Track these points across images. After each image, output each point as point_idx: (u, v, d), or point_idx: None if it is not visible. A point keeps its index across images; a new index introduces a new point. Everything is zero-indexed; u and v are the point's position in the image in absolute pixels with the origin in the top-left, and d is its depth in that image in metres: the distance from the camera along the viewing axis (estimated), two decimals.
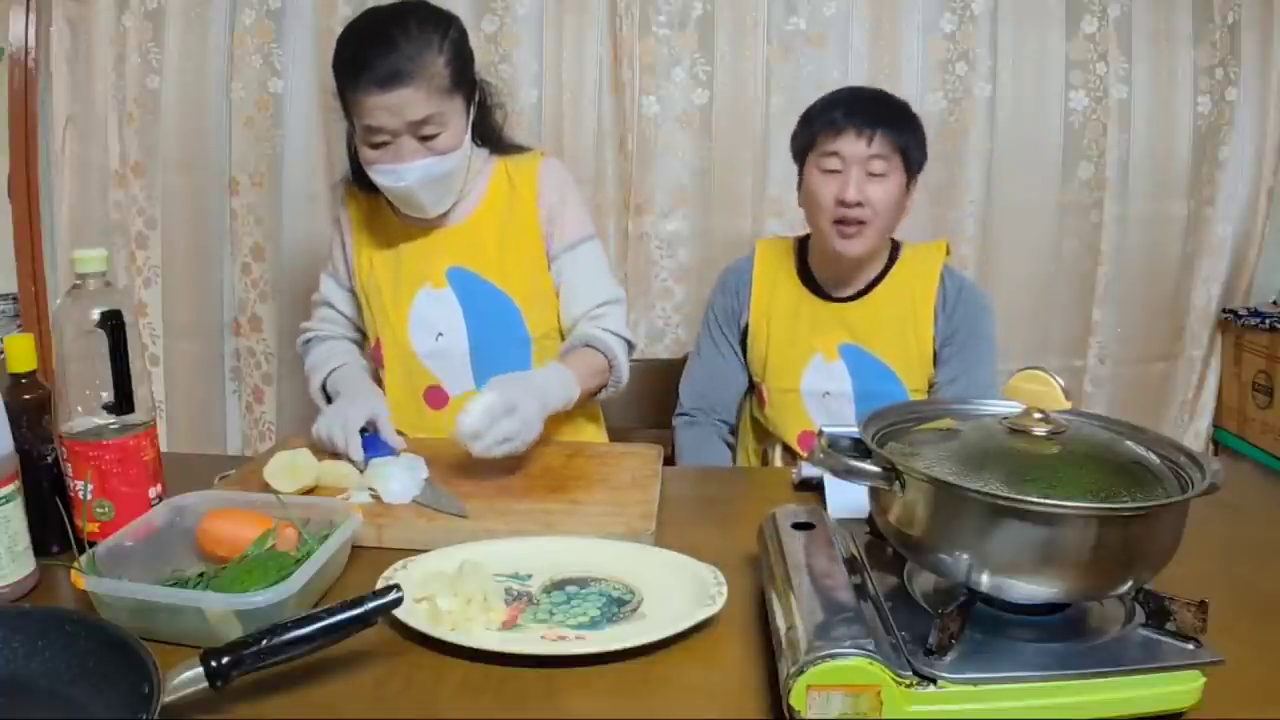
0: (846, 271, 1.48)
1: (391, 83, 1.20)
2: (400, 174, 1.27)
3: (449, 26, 1.27)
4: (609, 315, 1.41)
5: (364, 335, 1.51)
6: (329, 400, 1.37)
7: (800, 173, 1.49)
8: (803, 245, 1.57)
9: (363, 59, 1.21)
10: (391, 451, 1.19)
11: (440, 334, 1.38)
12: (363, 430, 1.20)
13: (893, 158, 1.39)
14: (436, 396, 1.40)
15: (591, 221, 1.47)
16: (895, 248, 1.51)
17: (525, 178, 1.40)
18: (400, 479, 1.09)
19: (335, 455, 1.20)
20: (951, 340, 1.45)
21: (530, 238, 1.40)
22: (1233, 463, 1.93)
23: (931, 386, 1.48)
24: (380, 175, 1.28)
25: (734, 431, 1.64)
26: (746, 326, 1.56)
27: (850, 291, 1.49)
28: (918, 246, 1.52)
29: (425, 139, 1.26)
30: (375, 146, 1.26)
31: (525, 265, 1.40)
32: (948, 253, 1.51)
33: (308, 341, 1.49)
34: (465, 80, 1.29)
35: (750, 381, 1.60)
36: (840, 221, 1.39)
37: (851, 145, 1.38)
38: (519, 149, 1.45)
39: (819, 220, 1.43)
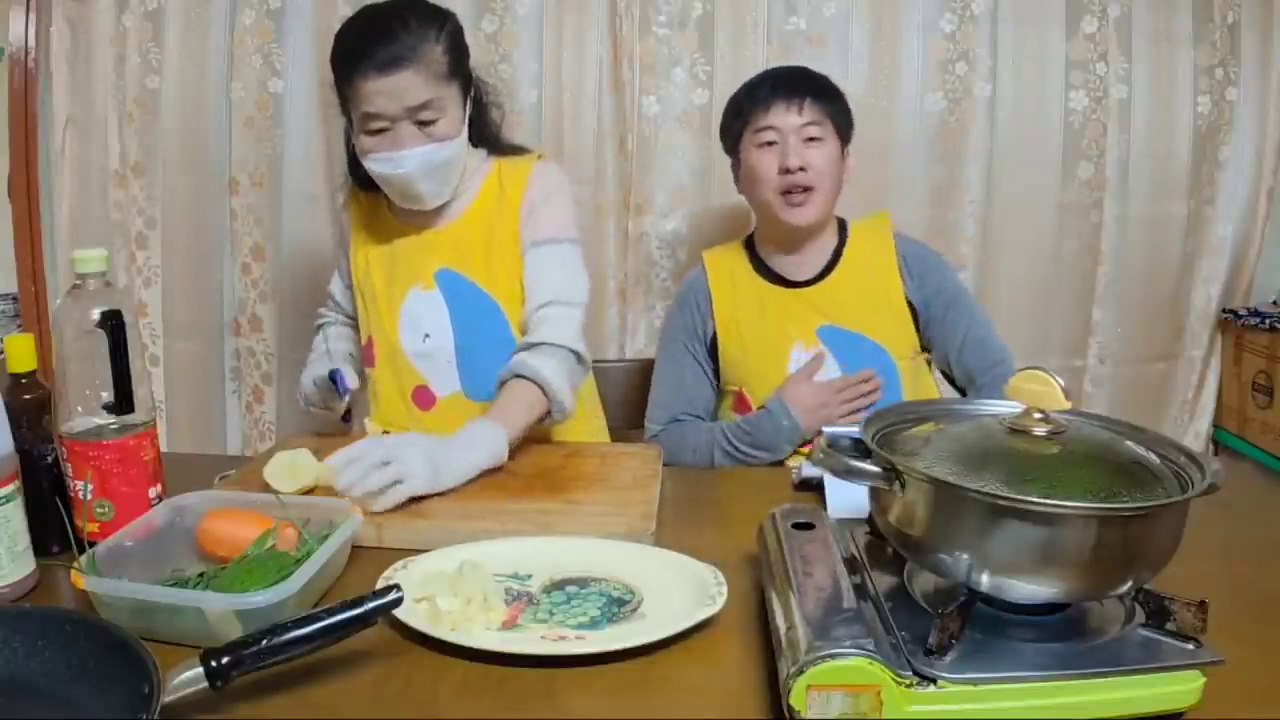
0: (800, 247, 1.50)
1: (390, 67, 1.22)
2: (398, 161, 1.27)
3: (445, 20, 1.30)
4: (553, 320, 1.31)
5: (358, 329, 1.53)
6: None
7: (735, 165, 1.53)
8: (750, 243, 1.58)
9: (362, 49, 1.23)
10: (348, 385, 1.36)
11: (427, 335, 1.39)
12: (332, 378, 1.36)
13: (825, 123, 1.43)
14: (424, 397, 1.40)
15: (573, 227, 1.41)
16: (843, 226, 1.54)
17: (515, 180, 1.40)
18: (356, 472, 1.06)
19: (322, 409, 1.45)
20: (935, 302, 1.47)
21: (512, 239, 1.38)
22: (1233, 463, 1.93)
23: (925, 353, 1.49)
24: (378, 164, 1.29)
25: None
26: (714, 338, 1.54)
27: (811, 274, 1.50)
28: (862, 222, 1.55)
29: (423, 124, 1.26)
30: (373, 134, 1.27)
31: (510, 268, 1.38)
32: (888, 222, 1.55)
33: (319, 326, 1.57)
34: (462, 71, 1.31)
35: (722, 393, 1.57)
36: (787, 192, 1.42)
37: (783, 117, 1.42)
38: (517, 150, 1.45)
39: (765, 195, 1.46)
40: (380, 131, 1.26)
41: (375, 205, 1.43)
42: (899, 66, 1.98)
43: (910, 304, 1.48)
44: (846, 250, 1.51)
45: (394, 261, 1.41)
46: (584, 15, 2.00)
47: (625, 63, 1.98)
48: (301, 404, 1.46)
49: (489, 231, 1.39)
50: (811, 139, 1.42)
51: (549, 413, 1.26)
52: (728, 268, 1.56)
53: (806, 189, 1.42)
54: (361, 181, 1.40)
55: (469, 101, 1.35)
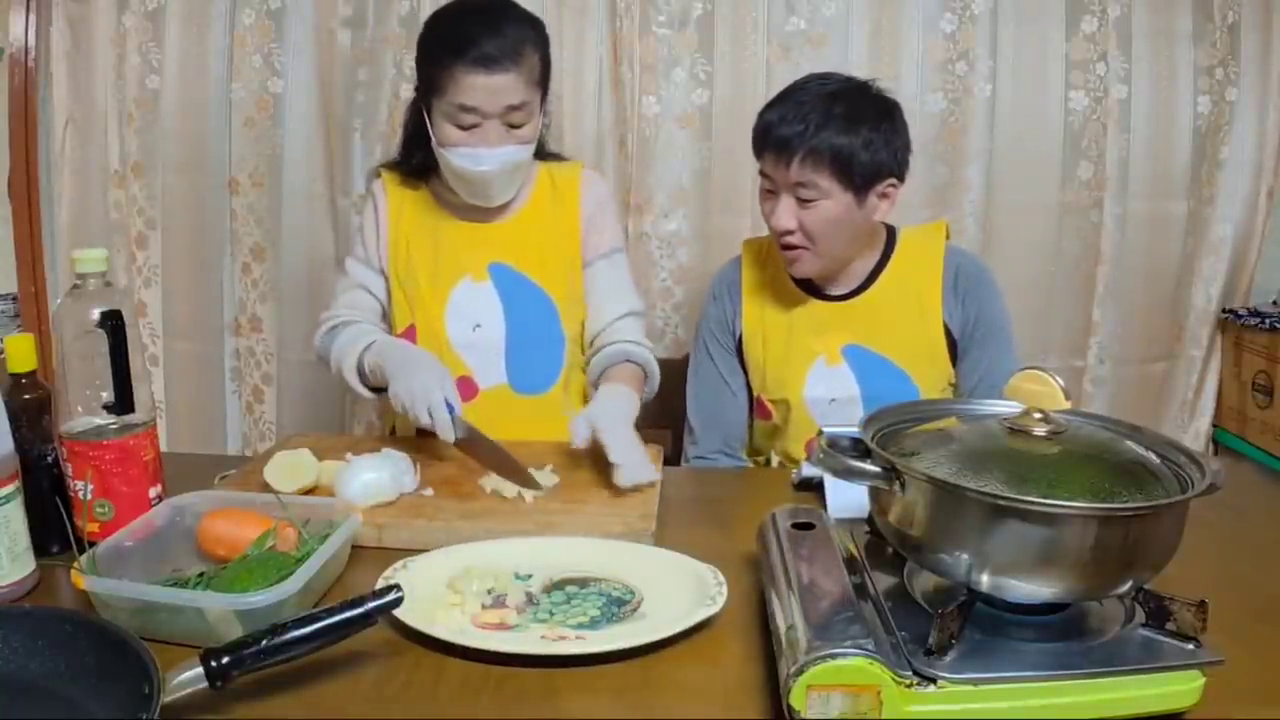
0: (834, 269, 1.41)
1: (497, 66, 1.24)
2: (482, 158, 1.30)
3: (539, 25, 1.33)
4: (634, 326, 1.46)
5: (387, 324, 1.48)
6: (362, 378, 1.32)
7: None
8: None
9: (470, 39, 1.24)
10: (456, 416, 1.18)
11: (478, 325, 1.40)
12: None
13: (823, 180, 1.26)
14: (466, 387, 1.40)
15: (623, 234, 1.52)
16: (890, 234, 1.42)
17: (568, 184, 1.45)
18: (363, 479, 1.05)
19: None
20: (973, 329, 1.38)
21: (570, 241, 1.44)
22: (1233, 463, 1.93)
23: (952, 386, 1.41)
24: (460, 158, 1.30)
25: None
26: (741, 336, 1.47)
27: (848, 289, 1.41)
28: (916, 230, 1.45)
29: (512, 126, 1.30)
30: (463, 128, 1.29)
31: (564, 267, 1.44)
32: (947, 235, 1.43)
33: (333, 328, 1.41)
34: (546, 79, 1.34)
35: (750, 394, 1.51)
36: (783, 246, 1.34)
37: (774, 169, 1.30)
38: (557, 157, 1.50)
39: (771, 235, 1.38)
40: (470, 127, 1.28)
41: (417, 193, 1.44)
42: (899, 66, 1.98)
43: (948, 331, 1.38)
44: (890, 265, 1.39)
45: (438, 251, 1.41)
46: (584, 15, 2.00)
47: (625, 63, 1.99)
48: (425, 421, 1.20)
49: (545, 231, 1.43)
50: (804, 200, 1.28)
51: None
52: (763, 264, 1.47)
53: (799, 246, 1.32)
54: (413, 168, 1.42)
55: (545, 106, 1.37)
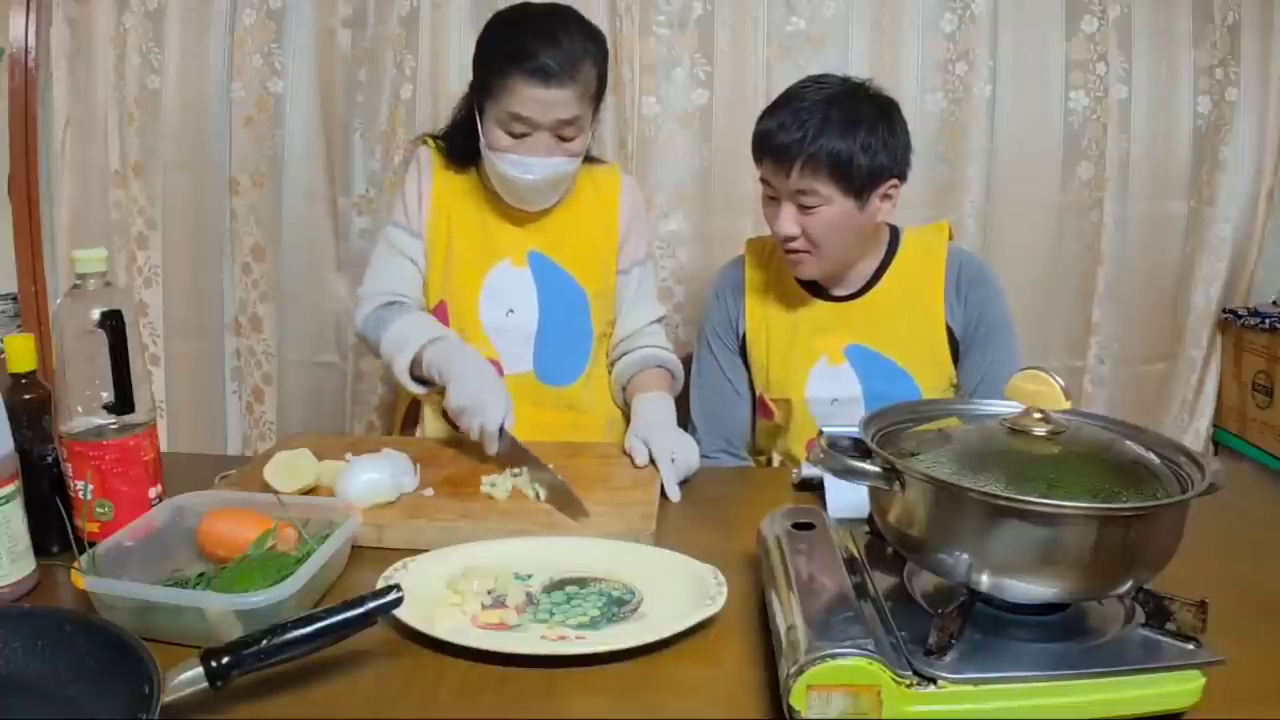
0: (838, 270, 1.41)
1: (554, 80, 1.25)
2: (529, 167, 1.31)
3: (600, 39, 1.34)
4: (660, 331, 1.52)
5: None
6: (411, 371, 1.30)
7: None
8: None
9: (530, 49, 1.25)
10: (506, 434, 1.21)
11: (511, 310, 1.41)
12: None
13: (823, 186, 1.26)
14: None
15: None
16: (894, 235, 1.42)
17: (610, 187, 1.48)
18: (363, 479, 1.06)
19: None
20: (973, 333, 1.38)
21: (608, 242, 1.47)
22: (1233, 463, 1.93)
23: (955, 387, 1.41)
24: (508, 165, 1.31)
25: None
26: (744, 335, 1.47)
27: (851, 289, 1.41)
28: (919, 231, 1.45)
29: (563, 139, 1.31)
30: (514, 136, 1.29)
31: (599, 265, 1.46)
32: (950, 236, 1.43)
33: (381, 308, 1.38)
34: (601, 93, 1.36)
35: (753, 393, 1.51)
36: (787, 250, 1.35)
37: (773, 176, 1.30)
38: (594, 159, 1.50)
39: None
40: (521, 136, 1.29)
41: (463, 177, 1.44)
42: (899, 66, 1.98)
43: (950, 331, 1.38)
44: (893, 266, 1.40)
45: (483, 233, 1.42)
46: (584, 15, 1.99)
47: (625, 63, 1.98)
48: (474, 435, 1.22)
49: (584, 227, 1.45)
50: (805, 206, 1.28)
51: None
52: (767, 263, 1.47)
53: (802, 250, 1.33)
54: (458, 154, 1.41)
55: (597, 118, 1.39)
